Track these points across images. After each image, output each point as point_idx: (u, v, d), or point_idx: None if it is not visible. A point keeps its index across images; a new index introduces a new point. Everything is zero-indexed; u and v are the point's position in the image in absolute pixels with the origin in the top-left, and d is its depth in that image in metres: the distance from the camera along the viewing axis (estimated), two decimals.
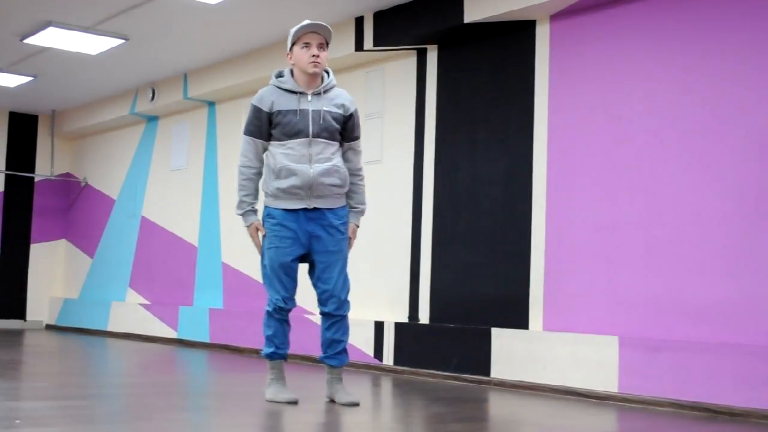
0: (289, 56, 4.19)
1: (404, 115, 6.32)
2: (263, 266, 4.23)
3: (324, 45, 4.13)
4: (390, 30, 6.19)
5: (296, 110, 4.11)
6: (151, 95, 8.64)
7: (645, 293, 4.74)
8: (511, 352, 5.28)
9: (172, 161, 8.89)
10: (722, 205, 4.47)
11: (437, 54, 6.13)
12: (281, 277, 4.15)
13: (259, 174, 4.22)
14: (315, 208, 4.11)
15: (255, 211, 4.22)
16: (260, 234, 4.20)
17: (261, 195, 4.27)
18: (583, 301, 5.04)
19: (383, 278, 6.28)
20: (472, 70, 5.87)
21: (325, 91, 4.18)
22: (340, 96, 4.21)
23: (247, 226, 4.22)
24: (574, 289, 5.09)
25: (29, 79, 8.59)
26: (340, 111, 4.16)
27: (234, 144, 7.98)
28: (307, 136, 4.08)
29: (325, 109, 4.12)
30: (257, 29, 6.80)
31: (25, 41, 7.23)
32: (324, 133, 4.10)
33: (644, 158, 4.83)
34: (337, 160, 4.14)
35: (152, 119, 9.23)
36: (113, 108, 9.30)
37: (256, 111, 4.17)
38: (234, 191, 7.93)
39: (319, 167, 4.07)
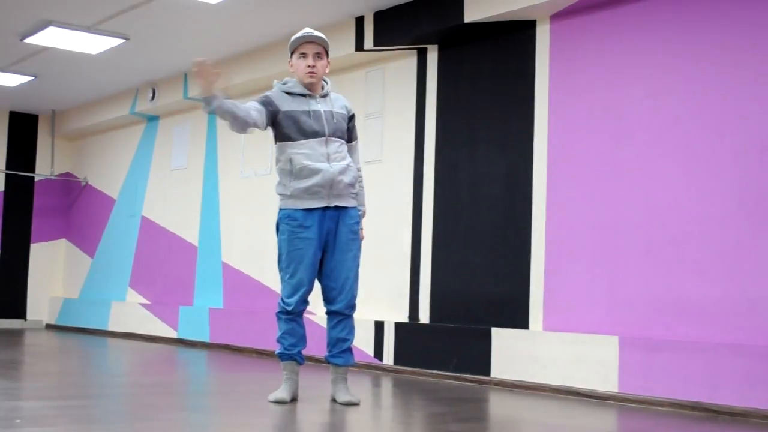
0: (290, 64, 4.29)
1: (404, 115, 6.32)
2: (280, 269, 4.24)
3: (322, 54, 4.22)
4: (390, 30, 6.19)
5: (308, 111, 4.18)
6: (151, 95, 8.64)
7: (645, 293, 4.74)
8: (511, 352, 5.28)
9: (172, 161, 8.89)
10: (722, 205, 4.47)
11: (437, 54, 6.13)
12: (301, 279, 4.15)
13: (245, 120, 4.01)
14: (335, 207, 4.16)
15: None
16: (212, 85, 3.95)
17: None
18: (583, 301, 5.04)
19: (383, 278, 6.29)
20: (473, 70, 5.87)
21: (328, 94, 4.31)
22: (340, 99, 4.35)
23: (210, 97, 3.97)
24: (574, 289, 5.10)
25: (29, 78, 8.60)
26: (344, 112, 4.31)
27: (234, 144, 7.98)
28: (324, 136, 4.16)
29: (334, 109, 4.24)
30: (257, 29, 6.80)
31: (25, 41, 7.23)
32: (337, 132, 4.21)
33: (644, 158, 4.83)
34: (350, 160, 4.26)
35: (152, 119, 9.23)
36: (113, 108, 9.30)
37: (266, 96, 4.17)
38: (235, 194, 7.92)
39: (337, 165, 4.15)
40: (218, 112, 3.98)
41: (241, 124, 4.05)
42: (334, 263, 4.17)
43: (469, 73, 5.90)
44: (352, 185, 4.22)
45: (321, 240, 4.15)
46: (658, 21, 4.85)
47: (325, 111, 4.20)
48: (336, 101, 4.30)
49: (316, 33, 4.23)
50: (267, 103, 4.17)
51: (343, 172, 4.16)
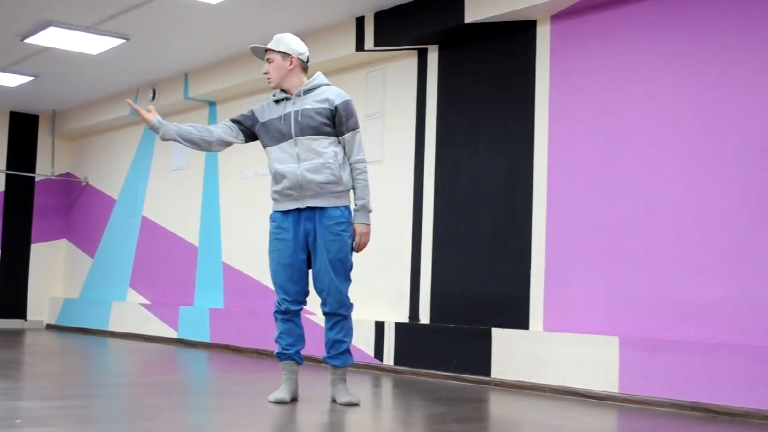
0: None
1: (405, 115, 6.32)
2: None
3: (272, 57, 4.25)
4: (391, 30, 6.19)
5: (281, 116, 4.24)
6: (151, 95, 8.64)
7: (645, 293, 4.74)
8: (511, 352, 5.28)
9: (172, 161, 8.89)
10: (722, 205, 4.47)
11: (438, 54, 6.13)
12: (281, 279, 4.22)
13: (203, 138, 4.31)
14: (308, 207, 4.16)
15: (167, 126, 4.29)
16: (150, 115, 4.26)
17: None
18: (583, 301, 5.04)
19: (384, 278, 6.29)
20: (473, 70, 5.87)
21: (309, 90, 4.25)
22: (326, 92, 4.25)
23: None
24: (574, 289, 5.10)
25: (30, 78, 8.60)
26: (325, 105, 4.19)
27: (234, 144, 7.97)
28: (291, 137, 4.18)
29: (306, 106, 4.20)
30: (257, 29, 6.80)
31: (26, 41, 7.23)
32: (307, 129, 4.16)
33: (644, 158, 4.83)
34: (329, 156, 4.13)
35: None
36: (114, 108, 9.30)
37: (250, 111, 4.40)
38: (235, 194, 7.93)
39: (306, 164, 4.14)
40: (169, 139, 4.28)
41: (200, 144, 4.33)
42: (318, 265, 4.19)
43: (469, 73, 5.90)
44: (330, 183, 4.12)
45: (299, 241, 4.18)
46: (658, 21, 4.85)
47: (294, 112, 4.20)
48: (317, 96, 4.21)
49: (254, 45, 4.33)
50: (247, 118, 4.37)
51: (314, 170, 4.11)
